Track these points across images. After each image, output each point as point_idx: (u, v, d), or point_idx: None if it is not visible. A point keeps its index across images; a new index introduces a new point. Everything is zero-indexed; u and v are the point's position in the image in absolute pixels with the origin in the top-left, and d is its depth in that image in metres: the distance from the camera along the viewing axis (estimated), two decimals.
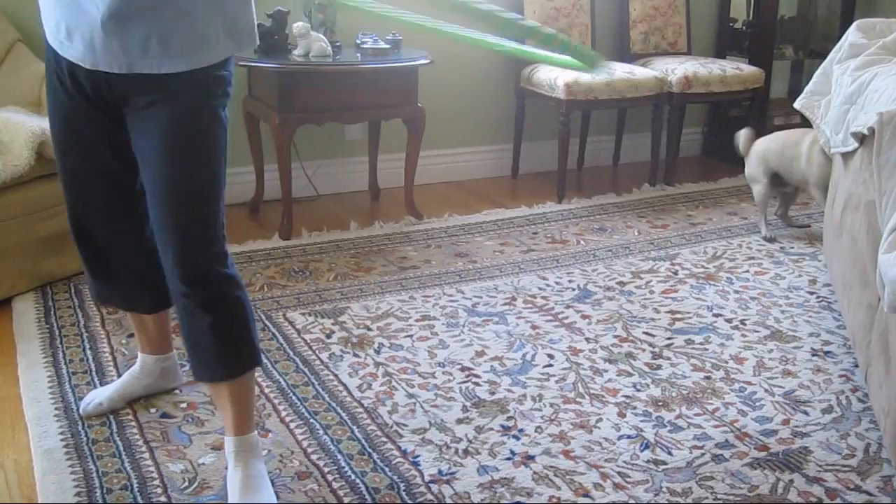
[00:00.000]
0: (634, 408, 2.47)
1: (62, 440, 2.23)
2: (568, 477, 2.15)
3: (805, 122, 3.62)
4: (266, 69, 3.59)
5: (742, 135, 4.00)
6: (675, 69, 4.51)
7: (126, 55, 1.79)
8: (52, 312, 2.92)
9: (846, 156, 2.96)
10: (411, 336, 2.85)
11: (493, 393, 2.52)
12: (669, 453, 2.25)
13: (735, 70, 4.61)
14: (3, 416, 2.37)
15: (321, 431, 2.31)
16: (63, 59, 1.87)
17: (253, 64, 3.56)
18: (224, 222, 1.96)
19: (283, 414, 2.39)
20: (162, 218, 1.90)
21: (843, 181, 2.96)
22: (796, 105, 3.41)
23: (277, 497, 2.02)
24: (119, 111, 1.92)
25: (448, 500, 2.05)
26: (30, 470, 2.14)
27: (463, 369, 2.65)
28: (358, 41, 3.87)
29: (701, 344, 2.86)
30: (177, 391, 2.48)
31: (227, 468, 2.06)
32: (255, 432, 2.10)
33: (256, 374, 2.34)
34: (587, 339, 2.86)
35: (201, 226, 1.91)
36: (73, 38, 1.81)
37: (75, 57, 1.83)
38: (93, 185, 2.06)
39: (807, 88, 3.38)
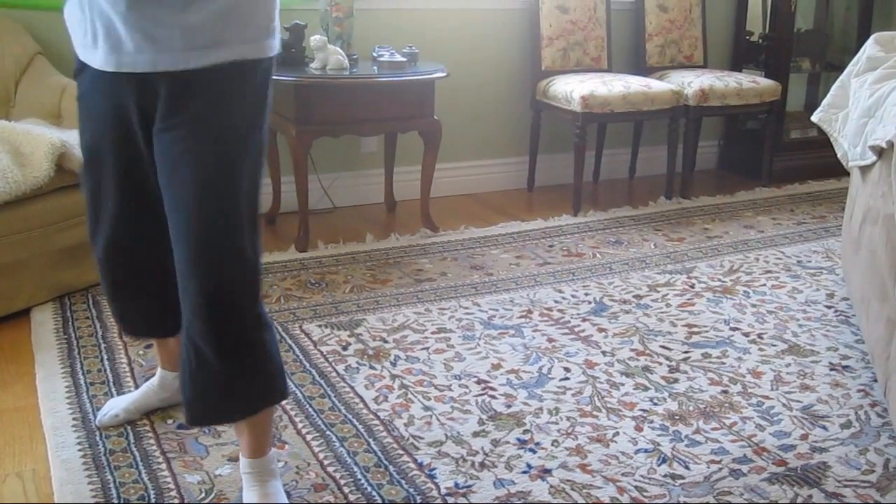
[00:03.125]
0: (651, 422, 2.46)
1: (80, 450, 2.24)
2: (585, 491, 2.14)
3: (822, 135, 3.61)
4: (283, 82, 3.60)
5: None
6: (692, 82, 4.50)
7: (150, 50, 1.71)
8: (70, 323, 2.94)
9: (864, 169, 2.94)
10: (427, 348, 2.85)
11: (509, 406, 2.52)
12: (687, 468, 2.24)
13: (751, 83, 4.61)
14: (22, 426, 2.38)
15: (337, 443, 2.31)
16: (106, 83, 1.81)
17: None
18: (259, 252, 1.86)
19: (300, 426, 2.39)
20: (185, 253, 1.80)
21: (862, 195, 2.95)
22: (814, 118, 3.40)
23: None
24: (149, 131, 1.82)
25: None
26: (48, 479, 2.14)
27: (479, 382, 2.65)
28: (375, 54, 3.88)
29: (718, 358, 2.84)
30: None
31: (241, 481, 2.06)
32: (272, 452, 2.07)
33: None
34: (603, 353, 2.86)
35: (232, 258, 1.81)
36: (97, 42, 1.75)
37: (100, 62, 1.77)
38: (123, 209, 1.98)
39: (824, 102, 3.37)
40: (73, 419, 2.38)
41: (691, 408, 2.53)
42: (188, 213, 1.78)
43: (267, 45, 1.83)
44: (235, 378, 1.88)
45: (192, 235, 1.78)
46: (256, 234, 1.87)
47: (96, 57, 1.78)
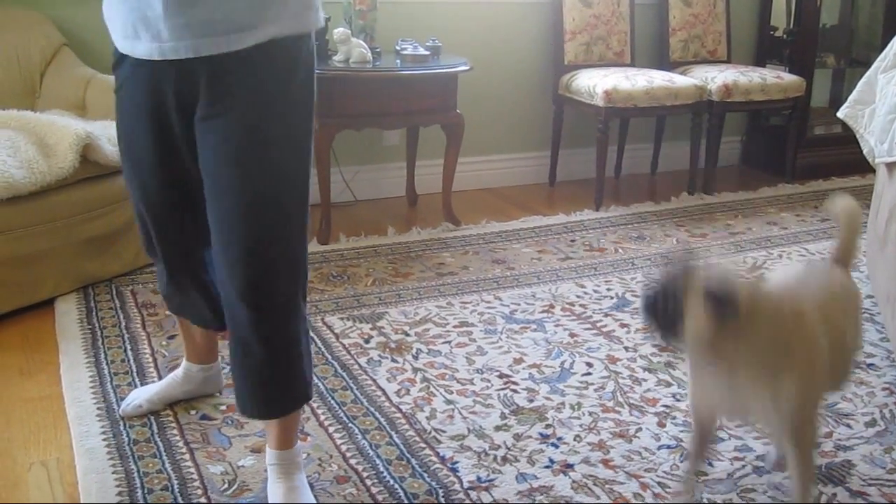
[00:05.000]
0: (674, 418, 2.45)
1: (104, 440, 2.26)
2: (607, 486, 2.13)
3: (846, 132, 3.57)
4: None
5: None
6: (715, 77, 4.48)
7: (191, 35, 1.70)
8: (94, 313, 2.96)
9: (891, 166, 2.91)
10: (449, 342, 2.85)
11: (531, 400, 2.52)
12: (710, 464, 2.23)
13: (776, 79, 4.58)
14: (46, 415, 2.40)
15: (360, 436, 2.32)
16: (144, 73, 1.81)
17: None
18: (306, 247, 1.86)
19: (322, 418, 2.40)
20: (229, 242, 1.80)
21: (888, 191, 2.92)
22: (840, 114, 3.37)
23: (317, 501, 2.03)
24: (191, 120, 1.81)
25: None
26: (72, 468, 2.16)
27: (501, 376, 2.64)
28: (397, 47, 3.88)
29: None
30: (217, 394, 2.49)
31: (266, 471, 2.06)
32: (298, 444, 2.08)
33: None
34: (626, 348, 2.85)
35: (277, 252, 1.81)
36: (139, 33, 1.75)
37: (142, 52, 1.76)
38: (163, 200, 1.98)
39: (850, 98, 3.34)
40: (97, 409, 2.40)
41: None
42: (231, 204, 1.78)
43: (308, 19, 1.81)
44: (276, 369, 1.90)
45: (236, 227, 1.78)
46: (304, 225, 1.86)
47: (139, 47, 1.77)
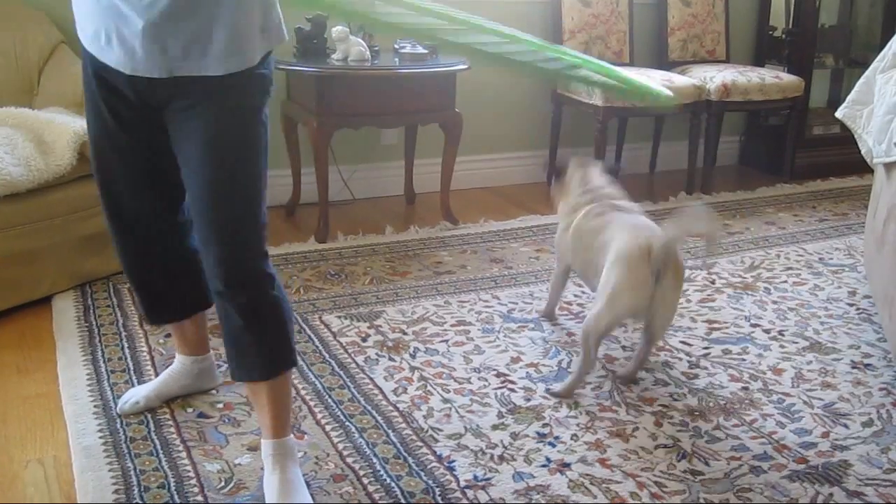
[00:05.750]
0: (671, 417, 2.45)
1: (101, 437, 2.25)
2: (604, 485, 2.13)
3: (845, 132, 3.58)
4: (304, 73, 3.60)
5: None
6: (714, 77, 4.48)
7: (166, 60, 1.80)
8: (92, 311, 2.95)
9: (889, 166, 2.92)
10: (447, 341, 2.85)
11: (528, 399, 2.52)
12: (707, 464, 2.23)
13: (774, 79, 4.58)
14: (43, 413, 2.40)
15: (357, 434, 2.32)
16: (102, 67, 1.89)
17: (291, 68, 3.59)
18: (266, 223, 1.97)
19: (319, 416, 2.40)
20: (205, 218, 1.91)
21: (886, 192, 2.92)
22: (838, 114, 3.37)
23: (313, 499, 2.03)
24: (160, 113, 1.93)
25: None
26: (68, 466, 2.16)
27: (498, 375, 2.64)
28: (396, 46, 3.88)
29: (738, 354, 2.83)
30: (213, 391, 2.49)
31: (262, 469, 2.06)
32: (292, 436, 2.10)
33: (293, 376, 2.35)
34: (623, 348, 2.85)
35: (244, 226, 1.92)
36: (112, 45, 1.82)
37: (115, 62, 1.85)
38: (132, 188, 2.07)
39: (849, 98, 3.34)
40: (94, 406, 2.40)
41: (711, 404, 2.52)
42: (204, 181, 1.89)
43: (271, 40, 1.93)
44: (257, 332, 1.96)
45: (210, 203, 1.89)
46: (264, 198, 1.97)
47: (110, 57, 1.86)
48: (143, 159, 2.03)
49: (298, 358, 2.44)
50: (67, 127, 2.97)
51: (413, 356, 2.74)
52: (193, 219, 1.97)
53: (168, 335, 2.77)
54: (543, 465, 2.20)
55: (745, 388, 2.62)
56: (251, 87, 1.91)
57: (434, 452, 2.24)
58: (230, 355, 2.03)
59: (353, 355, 2.74)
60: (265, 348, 2.00)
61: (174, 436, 2.28)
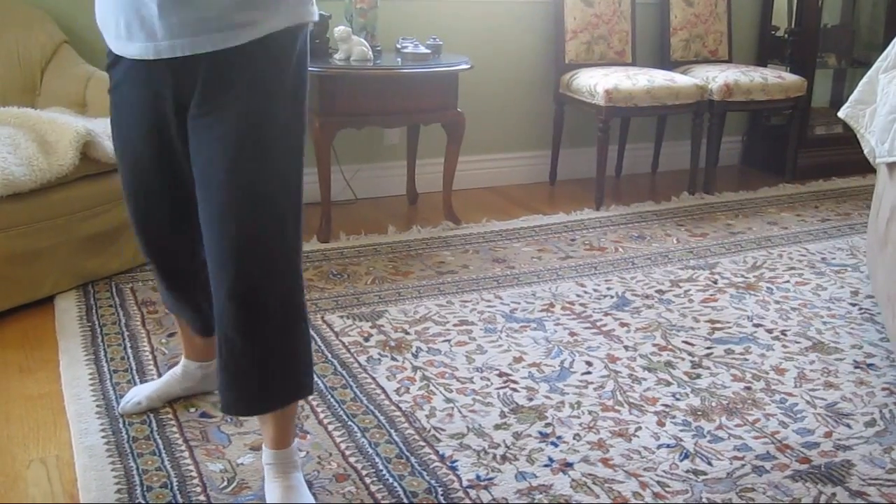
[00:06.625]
0: (674, 417, 2.45)
1: (103, 437, 2.25)
2: (606, 485, 2.13)
3: (847, 132, 3.57)
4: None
5: None
6: (716, 77, 4.47)
7: (187, 33, 1.70)
8: (94, 311, 2.95)
9: (892, 166, 2.91)
10: (449, 341, 2.85)
11: (531, 399, 2.51)
12: (709, 464, 2.23)
13: (777, 78, 4.58)
14: (46, 413, 2.40)
15: (359, 434, 2.32)
16: (139, 74, 1.81)
17: None
18: (300, 245, 1.84)
19: (322, 416, 2.40)
20: (220, 238, 1.78)
21: (889, 192, 2.92)
22: (840, 114, 3.36)
23: (315, 499, 2.03)
24: (184, 118, 1.82)
25: None
26: (71, 466, 2.16)
27: (501, 375, 2.64)
28: (398, 45, 3.88)
29: (741, 354, 2.83)
30: (216, 392, 2.48)
31: (263, 471, 2.06)
32: (295, 443, 2.07)
33: None
34: (626, 347, 2.85)
35: (268, 249, 1.79)
36: (132, 33, 1.75)
37: (137, 52, 1.76)
38: (158, 201, 1.98)
39: (851, 97, 3.34)
40: (97, 406, 2.40)
41: (714, 404, 2.52)
42: (223, 200, 1.77)
43: (303, 12, 1.81)
44: (263, 368, 1.88)
45: (227, 223, 1.77)
46: (298, 224, 1.84)
47: (133, 48, 1.77)
48: (173, 171, 1.92)
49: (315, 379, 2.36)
50: (70, 127, 2.97)
51: (415, 356, 2.74)
52: (205, 239, 1.83)
53: (171, 334, 2.77)
54: (546, 465, 2.20)
55: (748, 388, 2.61)
56: (278, 66, 1.76)
57: (436, 452, 2.24)
58: (229, 388, 1.92)
59: (355, 355, 2.73)
60: (276, 383, 1.91)
61: (177, 435, 2.28)
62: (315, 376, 2.58)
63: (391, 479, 2.13)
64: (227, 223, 1.77)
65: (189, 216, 1.92)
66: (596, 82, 4.21)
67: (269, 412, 1.97)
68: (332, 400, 2.48)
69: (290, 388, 1.96)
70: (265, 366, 1.88)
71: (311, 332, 2.83)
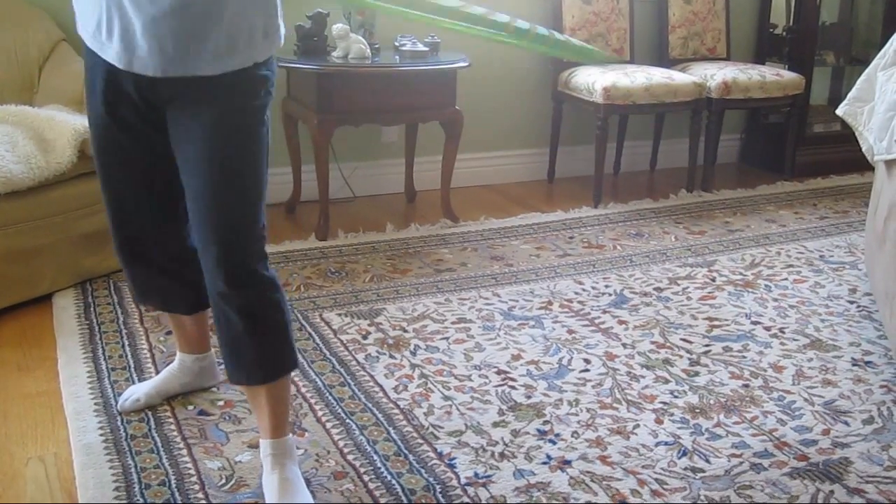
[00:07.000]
0: (672, 414, 2.45)
1: (101, 435, 2.25)
2: (605, 483, 2.13)
3: (846, 129, 3.57)
4: (305, 70, 3.60)
5: None
6: (714, 75, 4.47)
7: (164, 59, 1.79)
8: (92, 308, 2.95)
9: (890, 163, 2.91)
10: (447, 338, 2.85)
11: (529, 397, 2.52)
12: (707, 461, 2.23)
13: (775, 76, 4.58)
14: (44, 411, 2.40)
15: (357, 432, 2.32)
16: (104, 63, 1.87)
17: (292, 65, 3.59)
18: (266, 223, 1.96)
19: (320, 414, 2.40)
20: (205, 219, 1.89)
21: (887, 189, 2.92)
22: (839, 112, 3.37)
23: (314, 497, 2.03)
24: (161, 112, 1.92)
25: (484, 503, 2.04)
26: (69, 464, 2.16)
27: (499, 372, 2.64)
28: (396, 43, 3.88)
29: (739, 352, 2.83)
30: (214, 389, 2.49)
31: (262, 467, 2.06)
32: (291, 435, 2.10)
33: (293, 374, 2.34)
34: (624, 345, 2.85)
35: (245, 227, 1.91)
36: (112, 38, 1.81)
37: (112, 57, 1.83)
38: (132, 188, 2.06)
39: (849, 95, 3.34)
40: (95, 404, 2.40)
41: (712, 401, 2.52)
42: (205, 182, 1.88)
43: (273, 44, 1.92)
44: (257, 334, 1.96)
45: (211, 204, 1.88)
46: (265, 200, 1.96)
47: (109, 51, 1.84)
48: (143, 160, 2.02)
49: (299, 356, 2.44)
50: (68, 124, 2.97)
51: (414, 353, 2.74)
52: (192, 220, 1.94)
53: (169, 332, 2.77)
54: (544, 463, 2.20)
55: (746, 386, 2.62)
56: (252, 88, 1.90)
57: (435, 450, 2.25)
58: (228, 358, 2.01)
59: (353, 353, 2.74)
60: (266, 351, 1.99)
61: (175, 433, 2.28)
62: (312, 374, 2.59)
63: (389, 477, 2.13)
64: (214, 203, 1.89)
65: (155, 188, 2.06)
66: (594, 80, 4.21)
67: (270, 381, 2.01)
68: (330, 398, 2.48)
69: (280, 354, 2.02)
70: (254, 334, 1.96)
71: (310, 330, 2.85)
